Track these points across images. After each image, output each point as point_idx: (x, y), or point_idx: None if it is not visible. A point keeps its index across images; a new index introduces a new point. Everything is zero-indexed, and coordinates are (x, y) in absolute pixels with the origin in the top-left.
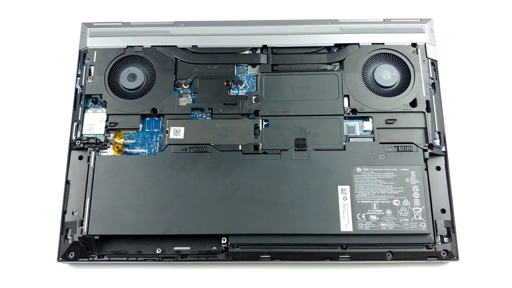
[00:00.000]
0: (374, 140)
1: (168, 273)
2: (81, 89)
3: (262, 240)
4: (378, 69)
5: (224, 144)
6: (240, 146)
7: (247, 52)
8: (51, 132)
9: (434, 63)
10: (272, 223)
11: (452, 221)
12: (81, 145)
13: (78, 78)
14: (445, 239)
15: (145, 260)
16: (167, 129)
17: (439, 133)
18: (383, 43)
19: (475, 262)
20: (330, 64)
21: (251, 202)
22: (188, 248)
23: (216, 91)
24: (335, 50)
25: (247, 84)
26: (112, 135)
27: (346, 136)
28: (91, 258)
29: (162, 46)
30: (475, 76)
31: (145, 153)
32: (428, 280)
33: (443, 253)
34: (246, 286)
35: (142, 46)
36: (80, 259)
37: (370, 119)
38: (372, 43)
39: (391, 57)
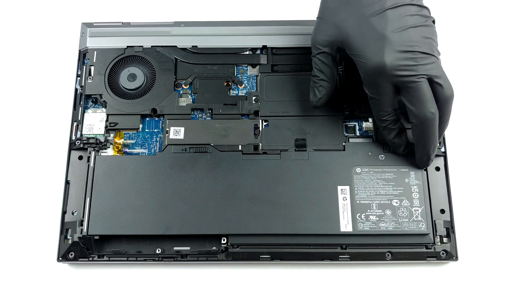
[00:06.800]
0: (373, 141)
1: (168, 273)
2: (81, 89)
3: (262, 240)
4: None
5: (224, 144)
6: (240, 146)
7: (247, 52)
8: (51, 132)
9: None
10: (272, 223)
11: (452, 221)
12: (81, 145)
13: (78, 78)
14: (445, 239)
15: (145, 260)
16: (167, 129)
17: None
18: None
19: (474, 262)
20: None
21: (251, 202)
22: (188, 248)
23: (216, 91)
24: None
25: (247, 85)
26: (112, 135)
27: (346, 136)
28: (91, 258)
29: (162, 46)
30: (474, 77)
31: (145, 153)
32: (428, 280)
33: (443, 253)
34: (246, 286)
35: (142, 46)
36: (80, 259)
37: (370, 120)
38: None
39: None
